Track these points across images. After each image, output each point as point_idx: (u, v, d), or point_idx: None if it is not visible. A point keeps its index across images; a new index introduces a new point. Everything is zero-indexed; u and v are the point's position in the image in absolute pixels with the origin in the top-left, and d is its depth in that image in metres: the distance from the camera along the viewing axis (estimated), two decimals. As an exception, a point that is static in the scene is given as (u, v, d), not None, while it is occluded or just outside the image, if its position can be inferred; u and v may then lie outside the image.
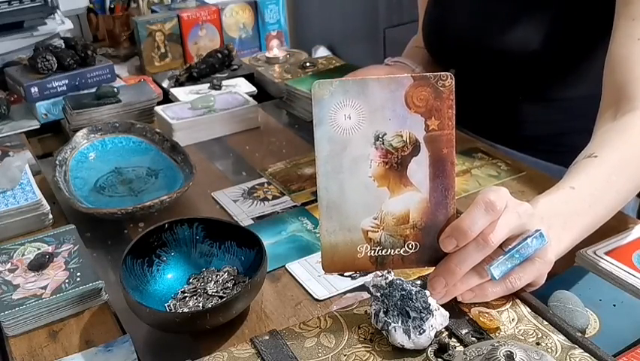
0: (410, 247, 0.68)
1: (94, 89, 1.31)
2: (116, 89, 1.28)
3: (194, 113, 1.24)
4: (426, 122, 0.64)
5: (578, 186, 0.75)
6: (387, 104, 0.63)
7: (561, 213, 0.72)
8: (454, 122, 0.64)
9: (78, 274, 0.81)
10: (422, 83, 0.63)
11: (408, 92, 0.63)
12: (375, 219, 0.66)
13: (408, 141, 0.64)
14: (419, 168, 0.65)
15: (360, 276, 0.80)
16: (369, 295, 0.68)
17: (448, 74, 0.63)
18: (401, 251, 0.68)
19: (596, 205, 0.75)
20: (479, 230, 0.64)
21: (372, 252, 0.68)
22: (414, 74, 0.64)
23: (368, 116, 0.64)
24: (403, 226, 0.66)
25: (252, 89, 1.41)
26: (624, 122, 0.83)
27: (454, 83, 0.63)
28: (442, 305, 0.67)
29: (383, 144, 0.64)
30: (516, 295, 0.69)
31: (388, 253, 0.68)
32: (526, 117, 1.11)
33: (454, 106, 0.63)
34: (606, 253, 0.77)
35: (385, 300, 0.65)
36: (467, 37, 1.09)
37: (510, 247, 0.66)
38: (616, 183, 0.77)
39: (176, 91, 1.40)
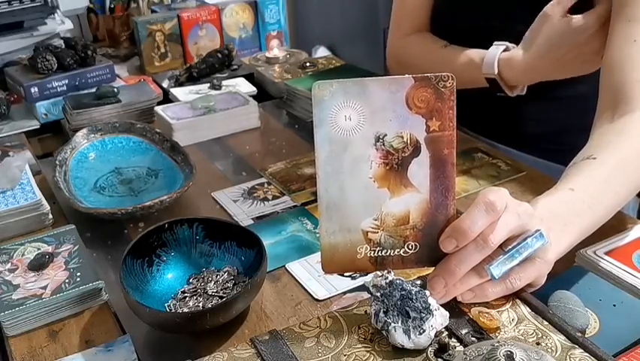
0: (410, 247, 0.68)
1: (94, 89, 1.31)
2: (116, 89, 1.28)
3: (194, 113, 1.23)
4: (427, 123, 0.63)
5: (578, 188, 0.75)
6: (388, 104, 0.63)
7: (561, 214, 0.72)
8: (455, 123, 0.64)
9: (78, 274, 0.81)
10: (423, 84, 0.63)
11: (409, 93, 0.63)
12: (375, 220, 0.66)
13: (409, 141, 0.64)
14: (420, 169, 0.65)
15: (360, 276, 0.80)
16: (369, 295, 0.68)
17: (449, 74, 0.63)
18: (401, 252, 0.68)
19: (596, 206, 0.75)
20: (479, 230, 0.64)
21: (372, 252, 0.68)
22: (415, 75, 0.63)
23: (369, 117, 0.63)
24: (403, 227, 0.67)
25: (252, 89, 1.41)
26: (622, 123, 0.83)
27: (455, 84, 0.63)
28: (442, 305, 0.67)
29: (384, 144, 0.64)
30: (516, 295, 0.69)
31: (388, 253, 0.68)
32: (527, 115, 1.11)
33: (455, 107, 0.63)
34: (606, 253, 0.77)
35: (385, 300, 0.65)
36: (470, 33, 1.09)
37: (510, 247, 0.66)
38: (615, 185, 0.77)
39: (176, 91, 1.40)
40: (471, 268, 0.66)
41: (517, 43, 1.02)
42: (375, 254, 0.68)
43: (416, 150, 0.64)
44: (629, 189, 0.80)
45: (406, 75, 0.63)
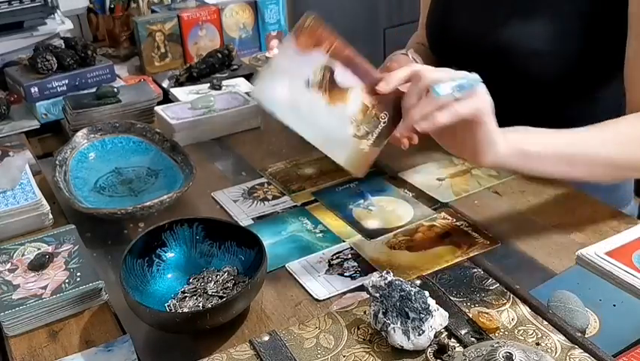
0: (384, 117, 0.82)
1: (94, 89, 1.31)
2: (116, 89, 1.28)
3: (194, 113, 1.23)
4: (320, 51, 0.80)
5: (564, 133, 0.84)
6: (295, 61, 0.80)
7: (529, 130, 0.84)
8: (333, 34, 0.80)
9: (78, 274, 0.81)
10: (300, 33, 0.80)
11: (298, 45, 0.80)
12: (352, 122, 0.81)
13: (324, 69, 0.81)
14: (344, 76, 0.82)
15: (360, 276, 0.80)
16: (369, 296, 0.68)
17: (306, 17, 0.79)
18: (382, 123, 0.82)
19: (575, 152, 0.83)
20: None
21: (370, 140, 0.81)
22: (290, 32, 0.81)
23: (295, 76, 0.81)
24: (368, 112, 0.82)
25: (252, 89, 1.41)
26: None
27: (314, 18, 0.78)
28: (442, 306, 0.67)
29: (314, 83, 0.81)
30: (516, 295, 0.69)
31: (378, 131, 0.81)
32: (527, 121, 1.10)
33: (324, 26, 0.80)
34: (606, 253, 0.77)
35: (384, 301, 0.65)
36: (468, 36, 1.08)
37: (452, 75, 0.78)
38: (602, 151, 0.84)
39: (176, 91, 1.40)
40: (423, 102, 0.77)
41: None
42: (373, 139, 0.81)
43: (333, 70, 0.81)
44: (611, 162, 0.85)
45: (286, 36, 0.77)
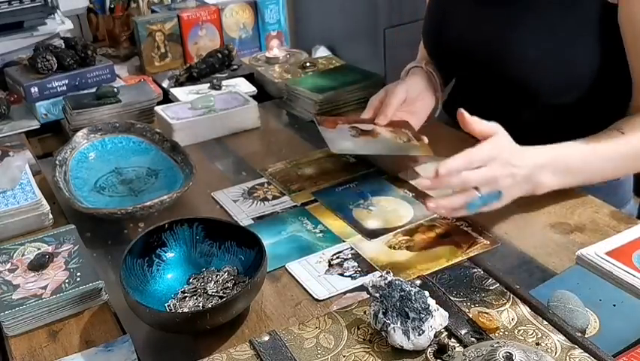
0: (405, 128, 1.07)
1: (94, 89, 1.31)
2: (116, 89, 1.28)
3: (194, 113, 1.24)
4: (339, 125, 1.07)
5: (599, 151, 0.89)
6: (334, 134, 1.04)
7: (573, 167, 0.89)
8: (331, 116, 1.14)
9: (78, 274, 0.81)
10: (320, 123, 1.07)
11: (326, 127, 1.07)
12: (396, 138, 1.05)
13: (352, 130, 1.07)
14: (363, 126, 1.08)
15: (359, 276, 0.80)
16: (369, 296, 0.68)
17: (314, 119, 1.09)
18: (408, 130, 1.06)
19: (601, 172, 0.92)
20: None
21: (413, 140, 1.05)
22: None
23: (342, 137, 1.05)
24: (395, 131, 1.06)
25: (252, 89, 1.41)
26: None
27: (314, 116, 1.11)
28: (442, 306, 0.67)
29: (356, 135, 1.05)
30: (516, 295, 0.69)
31: (412, 133, 1.05)
32: (526, 126, 1.10)
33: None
34: (606, 253, 0.77)
35: (384, 301, 0.65)
36: (464, 43, 1.08)
37: (481, 193, 0.83)
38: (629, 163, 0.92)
39: (176, 91, 1.40)
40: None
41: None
42: (413, 137, 1.05)
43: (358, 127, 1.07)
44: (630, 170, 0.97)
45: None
